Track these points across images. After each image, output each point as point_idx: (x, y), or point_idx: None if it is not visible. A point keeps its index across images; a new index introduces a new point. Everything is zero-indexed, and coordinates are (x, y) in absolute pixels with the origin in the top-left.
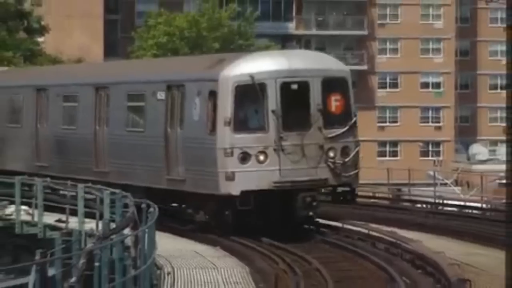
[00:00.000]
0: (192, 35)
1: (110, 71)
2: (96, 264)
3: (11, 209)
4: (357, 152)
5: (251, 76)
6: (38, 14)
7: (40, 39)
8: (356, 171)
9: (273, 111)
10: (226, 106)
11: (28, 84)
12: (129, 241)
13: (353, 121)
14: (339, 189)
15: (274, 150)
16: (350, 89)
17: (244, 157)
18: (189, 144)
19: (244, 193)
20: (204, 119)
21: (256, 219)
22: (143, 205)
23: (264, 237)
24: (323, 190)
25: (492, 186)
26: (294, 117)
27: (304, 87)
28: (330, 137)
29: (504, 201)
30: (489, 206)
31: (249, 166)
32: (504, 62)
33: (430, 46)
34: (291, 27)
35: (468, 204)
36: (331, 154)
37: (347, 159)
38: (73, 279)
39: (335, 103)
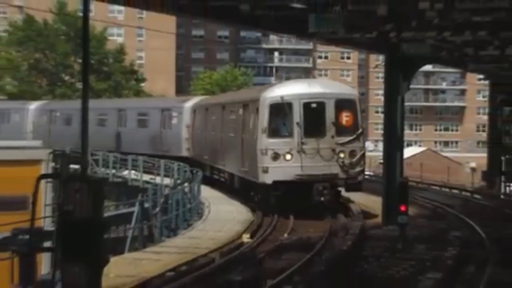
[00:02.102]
0: (222, 84)
1: (226, 98)
2: (169, 201)
3: (126, 172)
4: (362, 155)
5: (281, 97)
6: (141, 71)
7: (142, 84)
8: (361, 168)
9: (297, 123)
10: (263, 119)
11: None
12: (186, 189)
13: (359, 132)
14: (349, 182)
15: (297, 151)
16: (358, 108)
17: (275, 156)
18: (248, 146)
19: (275, 182)
20: (253, 128)
21: (284, 202)
22: (194, 171)
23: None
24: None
25: (375, 164)
26: (313, 128)
27: (321, 105)
28: (341, 143)
29: (381, 171)
30: (373, 174)
31: (279, 162)
32: (382, 99)
33: None
34: (272, 79)
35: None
36: (341, 155)
37: (353, 160)
38: (157, 209)
39: (345, 118)
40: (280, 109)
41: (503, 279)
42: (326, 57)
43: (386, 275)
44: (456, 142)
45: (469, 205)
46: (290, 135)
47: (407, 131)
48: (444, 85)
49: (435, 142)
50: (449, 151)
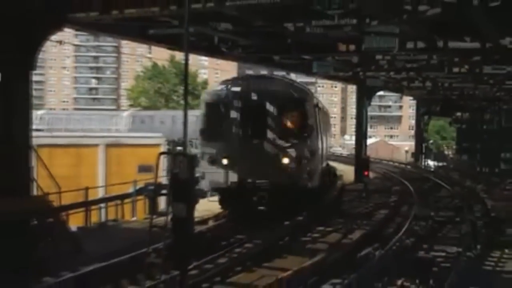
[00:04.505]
0: None
1: None
2: None
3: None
4: (312, 160)
5: (218, 96)
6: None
7: None
8: (307, 175)
9: (235, 125)
10: (201, 120)
11: None
12: None
13: (307, 134)
14: (298, 191)
15: (235, 156)
16: (307, 109)
17: (212, 161)
18: None
19: (213, 188)
20: None
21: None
22: None
23: None
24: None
25: (351, 148)
26: (253, 130)
27: (263, 105)
28: (284, 147)
29: (354, 153)
30: (349, 154)
31: (215, 168)
32: (355, 111)
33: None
34: None
35: (343, 154)
36: (285, 161)
37: (299, 166)
38: None
39: (290, 119)
40: (217, 109)
41: (422, 213)
42: (323, 86)
43: (356, 212)
44: (397, 136)
45: (403, 171)
46: (228, 138)
47: (369, 129)
48: (390, 103)
49: (385, 135)
50: (393, 141)
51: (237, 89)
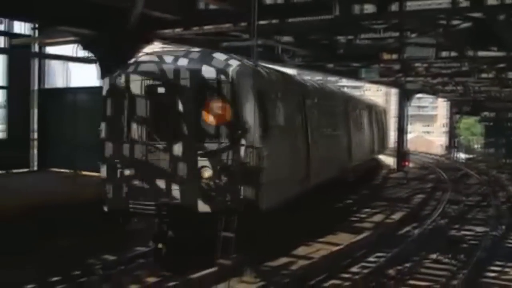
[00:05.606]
0: None
1: None
2: None
3: None
4: (244, 172)
5: (117, 79)
6: None
7: None
8: (239, 195)
9: (136, 120)
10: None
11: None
12: None
13: (237, 135)
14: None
15: (138, 165)
16: (240, 97)
17: (111, 171)
18: None
19: (112, 212)
20: None
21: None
22: None
23: None
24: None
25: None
26: (161, 128)
27: (175, 92)
28: (205, 153)
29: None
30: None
31: (116, 182)
32: (396, 110)
33: None
34: None
35: None
36: (205, 174)
37: (225, 181)
38: None
39: (215, 112)
40: (116, 98)
41: (455, 198)
42: (369, 90)
43: (397, 196)
44: (433, 132)
45: (438, 162)
46: (128, 138)
47: (408, 126)
48: (426, 104)
49: (422, 132)
50: (429, 136)
51: (142, 68)
